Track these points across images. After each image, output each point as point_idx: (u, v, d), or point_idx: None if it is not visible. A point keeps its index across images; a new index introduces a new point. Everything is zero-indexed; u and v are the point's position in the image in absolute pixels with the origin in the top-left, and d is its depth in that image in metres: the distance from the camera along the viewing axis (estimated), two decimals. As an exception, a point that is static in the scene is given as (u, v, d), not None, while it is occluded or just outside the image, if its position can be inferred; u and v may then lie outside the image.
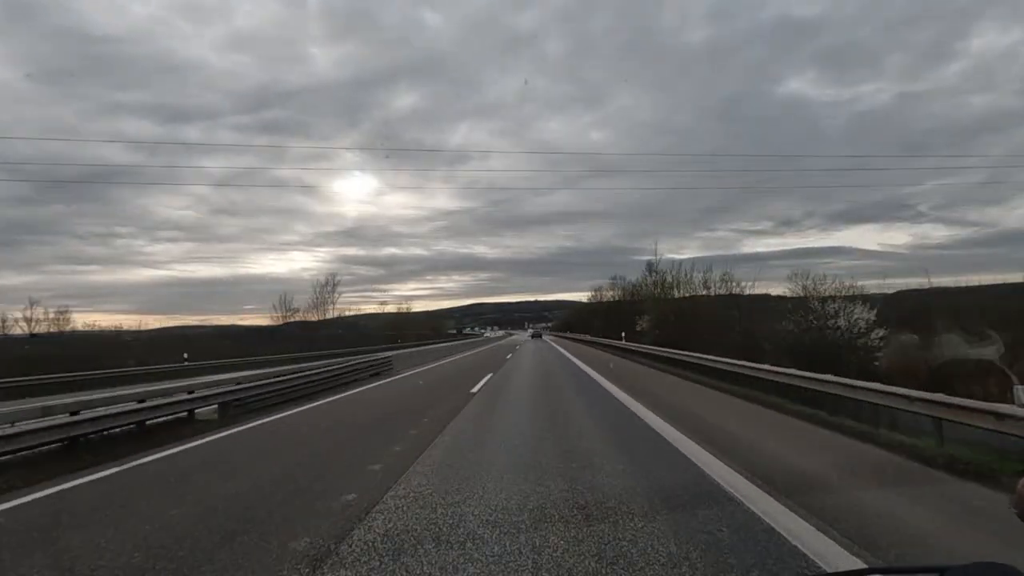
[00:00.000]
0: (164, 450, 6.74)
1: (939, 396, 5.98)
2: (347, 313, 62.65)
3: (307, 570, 3.07)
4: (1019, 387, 4.99)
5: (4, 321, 38.16)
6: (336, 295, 58.11)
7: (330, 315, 58.19)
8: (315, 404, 11.04)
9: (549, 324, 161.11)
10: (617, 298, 49.92)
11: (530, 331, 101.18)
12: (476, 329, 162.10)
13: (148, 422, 8.04)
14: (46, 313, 37.86)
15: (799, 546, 3.25)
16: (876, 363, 19.46)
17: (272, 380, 11.66)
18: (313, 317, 55.06)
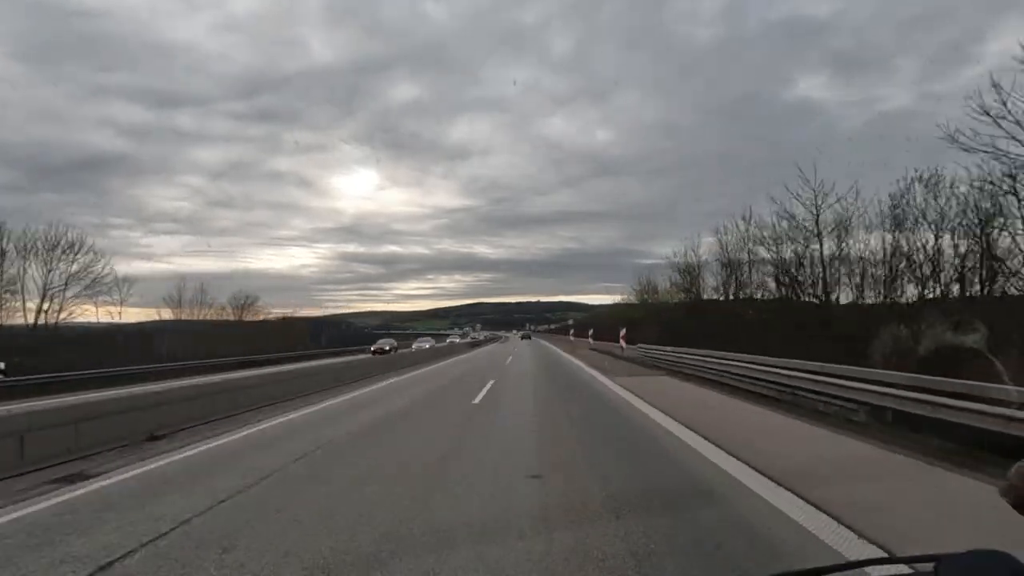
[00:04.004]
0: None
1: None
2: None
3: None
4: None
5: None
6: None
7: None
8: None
9: (552, 326, 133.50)
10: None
11: (520, 333, 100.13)
12: (463, 329, 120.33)
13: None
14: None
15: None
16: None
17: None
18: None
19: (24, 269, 29.35)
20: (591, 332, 38.42)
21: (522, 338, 78.24)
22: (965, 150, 12.35)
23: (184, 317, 40.85)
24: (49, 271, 29.74)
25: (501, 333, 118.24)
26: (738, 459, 5.57)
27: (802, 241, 18.75)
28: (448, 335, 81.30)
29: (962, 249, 14.84)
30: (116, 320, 34.58)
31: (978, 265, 14.63)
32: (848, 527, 3.61)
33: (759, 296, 22.57)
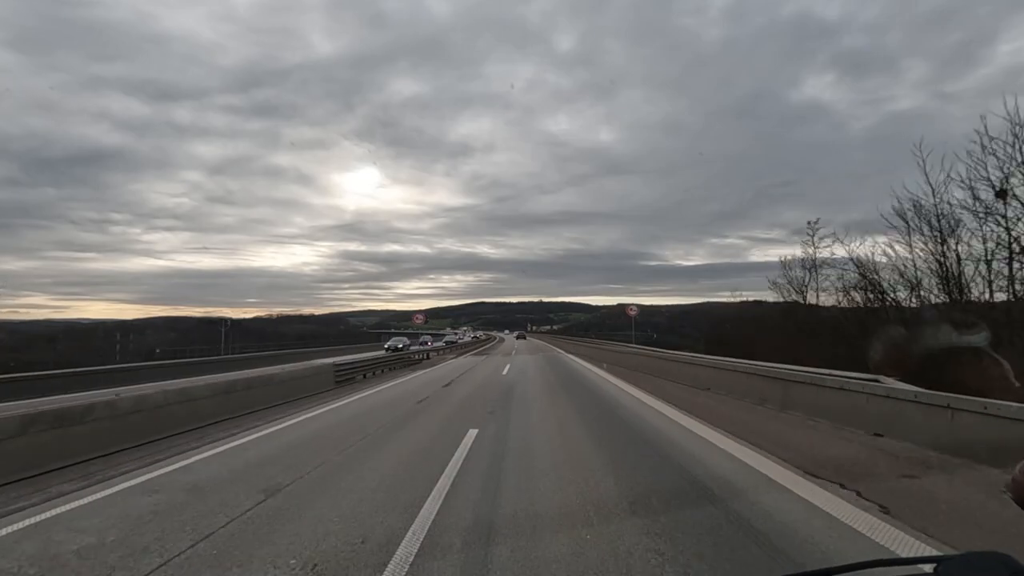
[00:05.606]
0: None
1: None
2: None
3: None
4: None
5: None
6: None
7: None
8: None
9: (555, 326, 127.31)
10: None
11: (516, 333, 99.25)
12: (459, 329, 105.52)
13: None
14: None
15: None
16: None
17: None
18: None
19: None
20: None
21: (517, 338, 79.14)
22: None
23: None
24: None
25: (495, 333, 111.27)
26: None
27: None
28: (443, 335, 61.19)
29: None
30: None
31: None
32: None
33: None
